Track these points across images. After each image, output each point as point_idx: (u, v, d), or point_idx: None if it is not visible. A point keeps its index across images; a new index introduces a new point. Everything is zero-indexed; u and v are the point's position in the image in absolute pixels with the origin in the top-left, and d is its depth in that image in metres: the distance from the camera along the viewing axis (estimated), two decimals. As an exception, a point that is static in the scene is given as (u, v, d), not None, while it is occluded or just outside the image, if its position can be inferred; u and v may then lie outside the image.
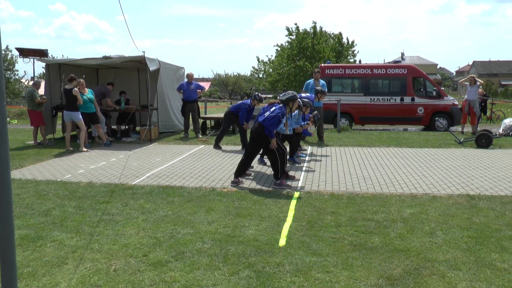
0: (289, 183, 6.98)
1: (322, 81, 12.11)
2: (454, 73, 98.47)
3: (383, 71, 16.09)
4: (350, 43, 36.43)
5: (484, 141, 10.79)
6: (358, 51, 52.35)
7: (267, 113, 6.86)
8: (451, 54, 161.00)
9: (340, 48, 35.57)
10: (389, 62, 18.54)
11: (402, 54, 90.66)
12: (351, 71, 16.30)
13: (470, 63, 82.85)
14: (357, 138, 12.77)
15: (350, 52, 36.62)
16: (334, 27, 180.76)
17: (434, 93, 15.71)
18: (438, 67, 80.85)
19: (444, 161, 8.99)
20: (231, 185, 6.91)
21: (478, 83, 13.85)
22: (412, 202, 5.90)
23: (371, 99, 15.82)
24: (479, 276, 3.67)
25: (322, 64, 17.28)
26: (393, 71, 15.92)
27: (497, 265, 3.89)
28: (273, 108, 6.95)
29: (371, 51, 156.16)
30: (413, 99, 15.58)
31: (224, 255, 4.17)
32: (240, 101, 10.68)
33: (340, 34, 36.08)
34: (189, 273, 3.82)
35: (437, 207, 5.66)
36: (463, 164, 8.63)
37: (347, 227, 4.92)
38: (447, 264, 3.92)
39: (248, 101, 10.29)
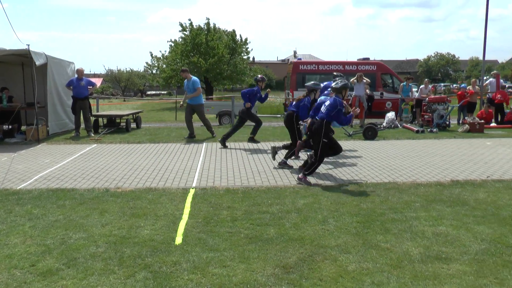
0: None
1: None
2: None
3: (354, 67, 17.77)
4: (243, 40, 38.01)
5: (370, 133, 12.09)
6: (251, 49, 54.74)
7: (323, 108, 6.97)
8: (340, 54, 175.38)
9: (234, 45, 36.96)
10: (358, 59, 20.10)
11: (295, 52, 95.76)
12: (324, 67, 17.85)
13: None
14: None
15: (243, 49, 38.29)
16: (228, 24, 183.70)
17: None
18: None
19: (335, 152, 9.89)
20: (298, 182, 6.97)
21: (365, 80, 15.48)
22: (305, 193, 6.44)
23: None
24: (366, 257, 4.21)
25: (295, 60, 18.34)
26: (363, 67, 17.74)
27: (382, 245, 4.50)
28: (328, 102, 7.00)
29: (264, 48, 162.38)
30: (382, 94, 17.02)
31: (119, 258, 4.16)
32: (247, 92, 10.88)
33: (234, 31, 37.50)
34: (82, 280, 3.74)
35: (329, 196, 6.27)
36: (352, 155, 9.60)
37: (243, 221, 5.21)
38: (338, 249, 4.41)
39: (256, 87, 10.75)
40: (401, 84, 16.32)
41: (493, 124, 15.27)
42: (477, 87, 16.09)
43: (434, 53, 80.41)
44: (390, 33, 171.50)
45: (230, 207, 5.74)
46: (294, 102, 8.63)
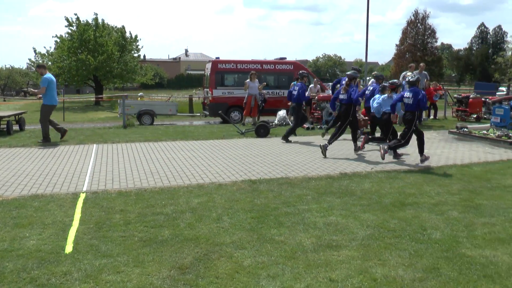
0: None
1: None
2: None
3: (272, 66, 18.85)
4: (133, 37, 37.42)
5: (262, 131, 12.49)
6: (142, 46, 53.99)
7: (410, 101, 8.64)
8: (232, 53, 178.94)
9: (123, 42, 36.27)
10: (275, 59, 20.64)
11: (186, 51, 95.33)
12: (242, 66, 18.44)
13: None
14: (143, 133, 12.98)
15: (134, 47, 37.74)
16: (117, 20, 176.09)
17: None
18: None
19: (228, 151, 10.04)
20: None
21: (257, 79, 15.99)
22: (199, 192, 6.45)
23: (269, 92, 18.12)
24: (261, 251, 4.35)
25: (214, 59, 18.38)
26: (281, 66, 18.87)
27: (276, 238, 4.68)
28: (411, 95, 8.64)
29: (155, 46, 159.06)
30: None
31: (0, 274, 3.78)
32: (294, 89, 11.81)
33: (123, 27, 36.80)
34: None
35: (223, 194, 6.35)
36: (245, 152, 9.84)
37: (136, 224, 5.07)
38: (233, 245, 4.49)
39: (300, 84, 11.73)
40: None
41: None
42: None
43: (322, 54, 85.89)
44: (280, 34, 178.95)
45: (123, 211, 5.54)
46: (342, 95, 9.80)
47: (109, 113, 21.82)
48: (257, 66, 18.59)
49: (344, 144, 11.06)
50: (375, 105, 10.11)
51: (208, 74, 18.68)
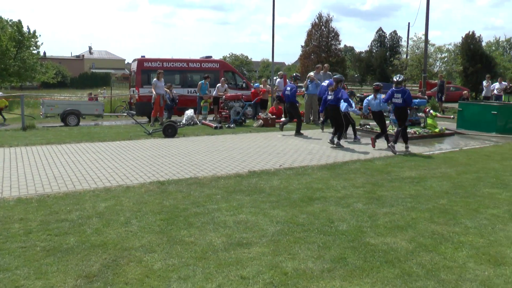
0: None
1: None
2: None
3: (198, 65, 19.29)
4: (31, 33, 35.30)
5: (170, 131, 12.30)
6: (42, 43, 50.49)
7: (399, 100, 10.12)
8: (138, 50, 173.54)
9: (20, 37, 34.16)
10: (201, 57, 20.77)
11: (90, 48, 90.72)
12: (168, 64, 18.55)
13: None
14: (45, 135, 12.18)
15: (32, 43, 35.57)
16: (12, 14, 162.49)
17: (244, 85, 19.61)
18: (126, 62, 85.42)
19: (136, 152, 9.76)
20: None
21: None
22: (106, 196, 6.19)
23: (188, 91, 18.24)
24: (171, 254, 4.29)
25: (140, 57, 18.21)
26: (207, 65, 19.28)
27: (186, 240, 4.65)
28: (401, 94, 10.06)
29: (56, 43, 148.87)
30: (225, 90, 16.97)
31: None
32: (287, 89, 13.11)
33: (20, 22, 34.58)
34: None
35: (131, 197, 6.17)
36: (153, 153, 9.63)
37: (38, 233, 4.75)
38: (143, 249, 4.38)
39: (293, 84, 13.08)
40: (200, 82, 17.07)
41: (283, 119, 17.24)
42: (268, 86, 17.96)
43: (229, 53, 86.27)
44: (187, 33, 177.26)
45: (23, 219, 5.16)
46: (330, 96, 11.00)
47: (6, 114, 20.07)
48: (183, 65, 18.95)
49: (254, 142, 11.28)
50: (364, 104, 11.58)
51: (134, 73, 18.36)
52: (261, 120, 15.23)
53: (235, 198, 6.20)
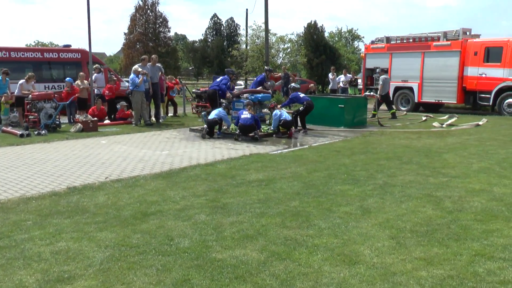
0: None
1: None
2: None
3: (56, 55, 18.94)
4: None
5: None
6: None
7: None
8: None
9: None
10: (58, 46, 20.30)
11: None
12: (17, 55, 17.74)
13: None
14: None
15: None
16: None
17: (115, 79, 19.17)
18: None
19: None
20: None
21: None
22: None
23: (45, 86, 17.75)
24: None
25: None
26: (66, 55, 19.02)
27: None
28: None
29: None
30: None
31: None
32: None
33: None
34: None
35: None
36: None
37: None
38: None
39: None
40: None
41: (106, 121, 16.74)
42: (86, 82, 17.12)
43: (34, 42, 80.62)
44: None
45: None
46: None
47: None
48: (37, 55, 18.56)
49: (72, 152, 10.70)
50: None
51: None
52: (79, 124, 14.54)
53: (51, 223, 5.82)
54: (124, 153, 10.75)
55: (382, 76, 19.24)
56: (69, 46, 19.94)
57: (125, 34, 53.82)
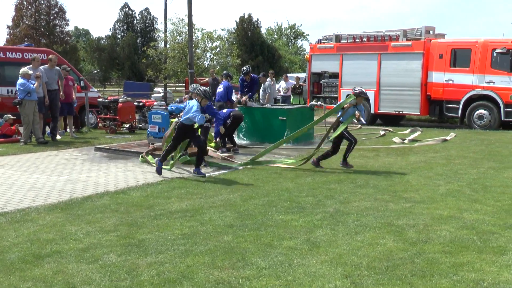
0: None
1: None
2: None
3: (19, 55, 19.72)
4: None
5: None
6: None
7: None
8: None
9: None
10: (23, 46, 21.45)
11: None
12: None
13: None
14: None
15: None
16: None
17: (82, 84, 20.52)
18: None
19: None
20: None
21: None
22: None
23: (8, 90, 18.72)
24: None
25: None
26: (31, 55, 18.42)
27: None
28: None
29: None
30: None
31: None
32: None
33: None
34: None
35: None
36: None
37: None
38: None
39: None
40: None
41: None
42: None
43: None
44: None
45: None
46: None
47: None
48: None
49: None
50: None
51: None
52: None
53: None
54: (10, 179, 10.47)
55: None
56: (31, 45, 22.30)
57: (8, 27, 52.61)
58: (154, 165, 11.17)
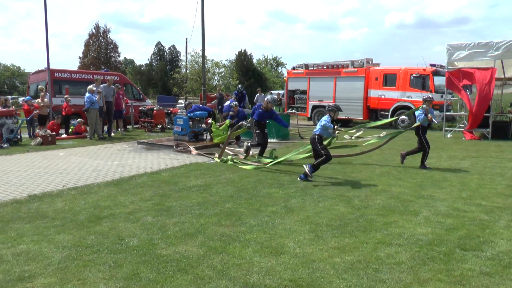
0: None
1: None
2: None
3: (102, 77, 18.68)
4: None
5: None
6: None
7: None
8: None
9: None
10: (103, 71, 22.76)
11: None
12: (76, 76, 20.19)
13: None
14: None
15: None
16: None
17: (141, 96, 22.36)
18: None
19: None
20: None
21: None
22: None
23: None
24: None
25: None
26: (108, 77, 18.59)
27: None
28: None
29: None
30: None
31: None
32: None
33: None
34: None
35: None
36: None
37: None
38: None
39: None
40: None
41: (64, 135, 16.11)
42: (46, 100, 16.28)
43: (-4, 63, 76.72)
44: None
45: None
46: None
47: None
48: (89, 76, 20.06)
49: (33, 163, 10.21)
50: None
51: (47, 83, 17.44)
52: (39, 138, 13.90)
53: (13, 228, 5.54)
54: (80, 163, 10.38)
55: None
56: (108, 70, 22.92)
57: (79, 58, 52.18)
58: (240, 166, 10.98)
